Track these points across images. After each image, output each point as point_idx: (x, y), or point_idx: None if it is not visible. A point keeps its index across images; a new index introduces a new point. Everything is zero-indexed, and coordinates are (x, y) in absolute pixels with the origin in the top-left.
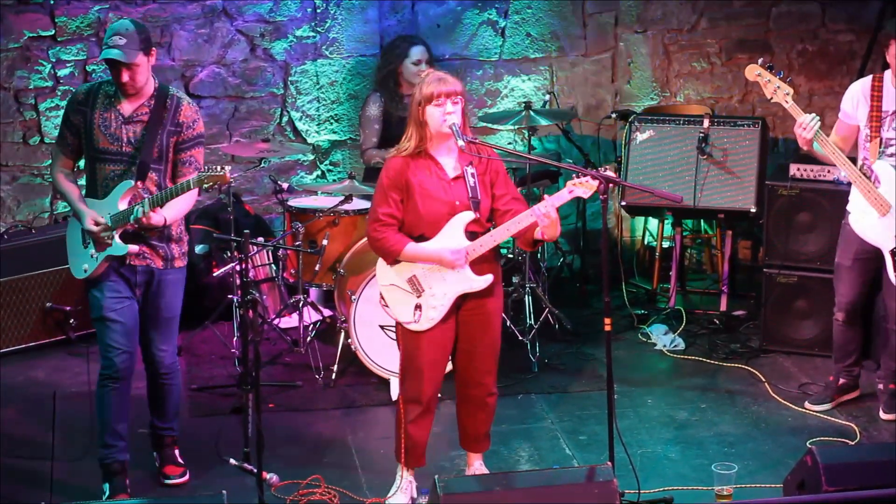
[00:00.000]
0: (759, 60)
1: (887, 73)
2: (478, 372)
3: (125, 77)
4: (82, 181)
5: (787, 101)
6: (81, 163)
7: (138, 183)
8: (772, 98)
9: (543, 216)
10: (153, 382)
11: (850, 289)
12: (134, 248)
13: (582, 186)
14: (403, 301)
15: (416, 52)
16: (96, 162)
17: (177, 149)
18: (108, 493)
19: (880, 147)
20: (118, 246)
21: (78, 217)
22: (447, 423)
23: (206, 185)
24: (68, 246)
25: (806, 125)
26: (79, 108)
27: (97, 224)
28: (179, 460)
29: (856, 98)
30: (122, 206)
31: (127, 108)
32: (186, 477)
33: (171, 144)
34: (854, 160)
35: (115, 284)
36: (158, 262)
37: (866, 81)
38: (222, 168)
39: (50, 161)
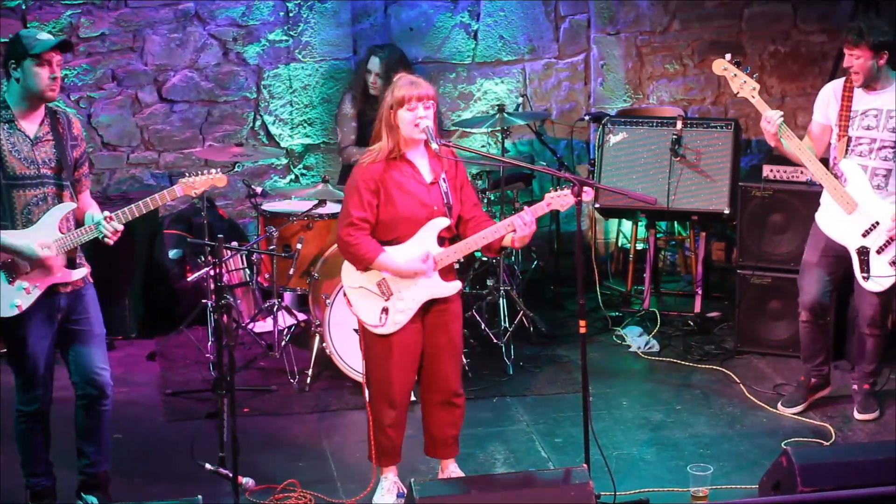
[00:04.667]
0: (727, 56)
1: None
2: (444, 374)
3: (57, 72)
4: None
5: (753, 96)
6: None
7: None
8: (738, 93)
9: (524, 225)
10: (89, 410)
11: (814, 286)
12: (84, 269)
13: (560, 199)
14: (370, 304)
15: (371, 64)
16: (12, 190)
17: (77, 163)
18: None
19: (847, 146)
20: (74, 272)
21: (11, 250)
22: (422, 427)
23: (197, 192)
24: None
25: (770, 119)
26: None
27: (47, 248)
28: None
29: (827, 98)
30: (58, 231)
31: (29, 128)
32: None
33: (73, 159)
34: (827, 161)
35: (40, 317)
36: (80, 281)
37: (839, 82)
38: (216, 171)
39: None
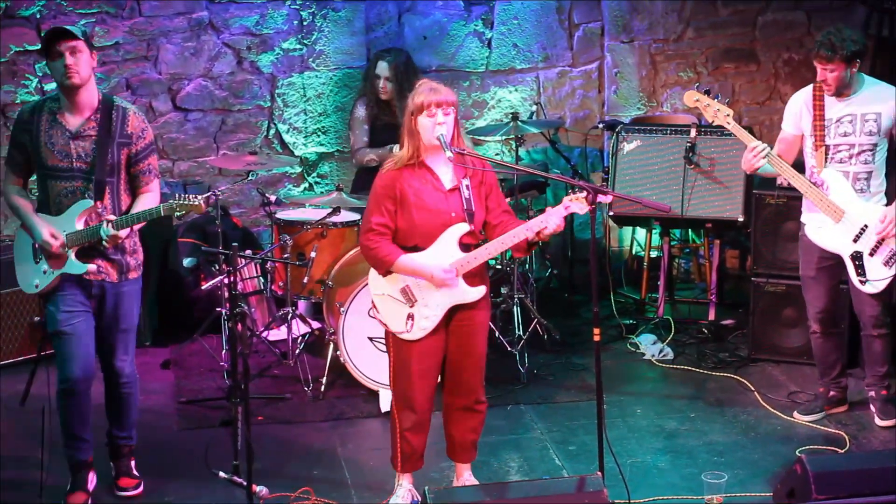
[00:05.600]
0: (696, 86)
1: None
2: (467, 381)
3: (69, 61)
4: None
5: (728, 123)
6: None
7: (97, 203)
8: (713, 121)
9: (547, 227)
10: (111, 392)
11: (819, 298)
12: (92, 267)
13: (578, 202)
14: (396, 311)
15: (379, 69)
16: (47, 179)
17: (131, 161)
18: (68, 487)
19: (827, 155)
20: (75, 265)
21: (30, 231)
22: (436, 434)
23: (178, 213)
24: (17, 260)
25: (757, 154)
26: (25, 127)
27: (55, 237)
28: (135, 472)
29: (798, 109)
30: (79, 225)
31: (73, 122)
32: (140, 489)
33: (122, 157)
34: (798, 169)
35: (69, 297)
36: (114, 275)
37: (808, 91)
38: (196, 197)
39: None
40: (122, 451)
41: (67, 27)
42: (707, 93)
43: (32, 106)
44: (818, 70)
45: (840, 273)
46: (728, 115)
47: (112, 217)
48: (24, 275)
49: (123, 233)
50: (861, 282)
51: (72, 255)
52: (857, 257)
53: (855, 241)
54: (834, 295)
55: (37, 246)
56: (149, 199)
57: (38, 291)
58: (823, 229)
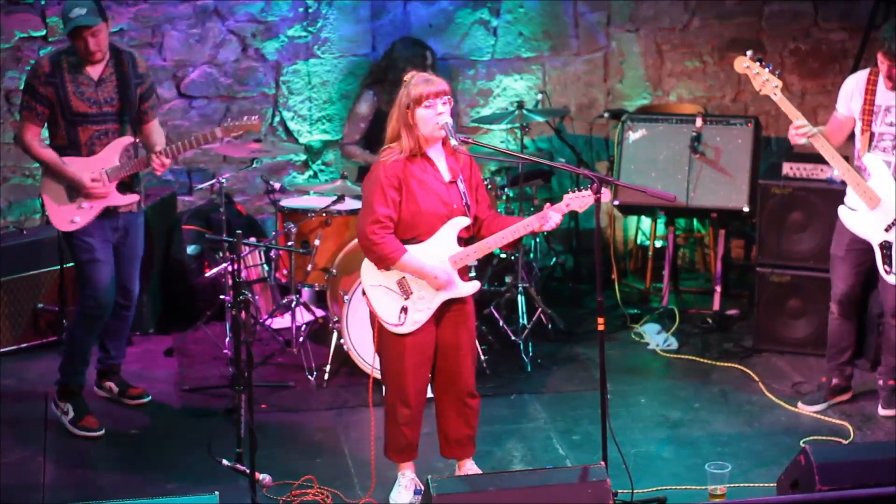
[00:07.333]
0: (748, 52)
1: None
2: (459, 374)
3: (92, 45)
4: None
5: (775, 94)
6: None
7: (137, 139)
8: (761, 90)
9: (543, 226)
10: (118, 316)
11: (844, 280)
12: (135, 196)
13: (579, 200)
14: (389, 303)
15: (430, 59)
16: (77, 126)
17: (142, 98)
18: (73, 415)
19: (871, 141)
20: (121, 197)
21: (67, 177)
22: (436, 427)
23: (235, 135)
24: (48, 202)
25: (803, 134)
26: (49, 80)
27: (96, 181)
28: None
29: (850, 91)
30: (117, 161)
31: (94, 72)
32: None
33: (138, 95)
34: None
35: (101, 230)
36: (134, 206)
37: (862, 75)
38: (252, 116)
39: None
40: (117, 369)
41: (87, 19)
42: (760, 61)
43: (50, 60)
44: (885, 66)
45: (869, 259)
46: (777, 87)
47: (159, 149)
48: (59, 214)
49: (170, 158)
50: (886, 272)
51: (114, 189)
52: (885, 247)
53: (887, 230)
54: (858, 280)
55: (73, 186)
56: (158, 128)
57: (77, 228)
58: (857, 213)
